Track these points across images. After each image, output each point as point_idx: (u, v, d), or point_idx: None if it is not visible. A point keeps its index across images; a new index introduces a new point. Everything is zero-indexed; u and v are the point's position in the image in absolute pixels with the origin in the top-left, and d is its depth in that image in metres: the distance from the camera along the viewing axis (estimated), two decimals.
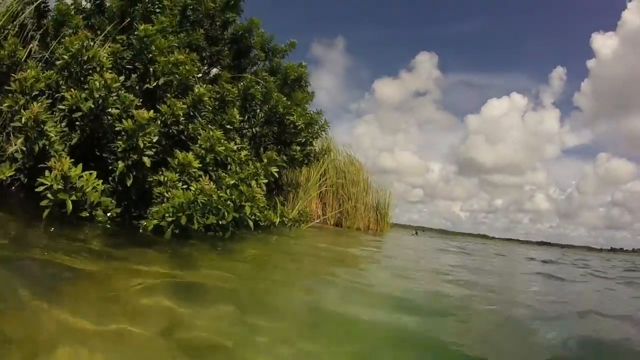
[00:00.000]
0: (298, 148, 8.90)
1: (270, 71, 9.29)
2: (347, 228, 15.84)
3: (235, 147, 5.51)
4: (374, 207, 17.85)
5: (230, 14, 8.52)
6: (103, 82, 4.05)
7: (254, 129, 7.62)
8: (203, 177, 4.58)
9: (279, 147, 9.05)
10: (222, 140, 5.02)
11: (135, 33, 5.23)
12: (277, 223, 6.25)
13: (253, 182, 4.71)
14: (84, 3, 6.72)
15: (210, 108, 5.86)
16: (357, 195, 16.41)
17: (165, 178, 3.99)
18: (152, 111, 4.12)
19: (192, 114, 5.36)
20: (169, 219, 3.63)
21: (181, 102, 4.70)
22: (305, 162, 9.17)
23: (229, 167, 5.37)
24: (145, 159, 3.99)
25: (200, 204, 3.80)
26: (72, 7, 6.18)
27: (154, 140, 4.13)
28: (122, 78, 4.85)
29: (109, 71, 4.35)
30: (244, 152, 5.09)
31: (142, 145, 3.92)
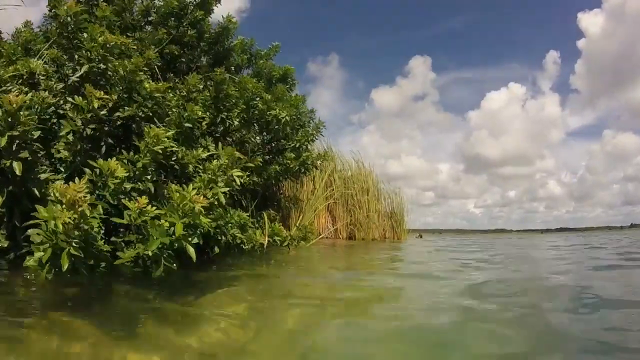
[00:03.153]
0: (292, 155, 7.44)
1: (254, 76, 7.94)
2: (361, 240, 14.19)
3: (203, 155, 4.06)
4: (388, 214, 16.18)
5: (199, 12, 7.19)
6: None
7: (234, 135, 6.21)
8: (139, 196, 3.10)
9: (270, 156, 7.61)
10: (170, 141, 3.55)
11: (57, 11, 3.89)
12: (265, 244, 4.76)
13: (208, 192, 3.20)
14: None
15: (171, 108, 4.46)
16: (369, 203, 14.79)
17: (57, 192, 2.49)
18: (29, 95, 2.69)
19: (140, 114, 3.97)
20: (43, 254, 2.12)
21: (101, 92, 3.26)
22: (303, 170, 7.68)
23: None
24: (16, 164, 2.52)
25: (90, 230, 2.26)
26: None
27: (35, 136, 2.68)
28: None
29: None
30: (215, 162, 3.59)
31: (7, 144, 2.46)
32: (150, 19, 7.15)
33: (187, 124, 4.25)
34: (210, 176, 3.35)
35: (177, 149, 3.81)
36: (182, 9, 6.96)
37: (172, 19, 7.04)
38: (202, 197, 2.78)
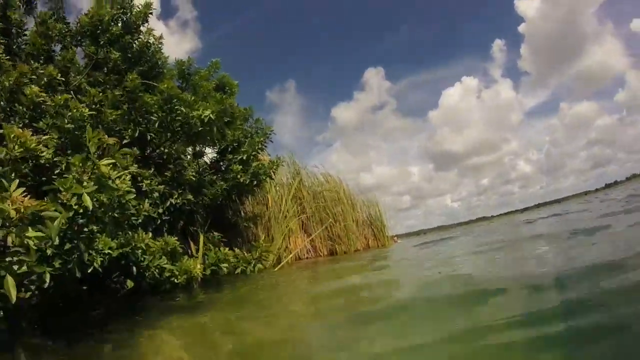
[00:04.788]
0: (239, 168, 6.39)
1: (192, 94, 6.90)
2: (343, 253, 13.04)
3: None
4: (367, 222, 15.14)
5: (115, 27, 6.15)
6: None
7: (159, 149, 5.13)
8: None
9: (213, 172, 6.51)
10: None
11: None
12: (199, 276, 3.63)
13: (67, 195, 2.09)
14: None
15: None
16: (345, 213, 13.73)
17: None
18: None
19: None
20: None
21: None
22: (255, 183, 6.61)
23: None
24: None
25: None
26: None
27: None
28: None
29: None
30: (78, 156, 2.47)
31: None
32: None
33: (68, 125, 3.16)
34: (73, 174, 2.25)
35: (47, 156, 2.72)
36: (99, 27, 5.93)
37: (88, 38, 6.02)
38: (27, 199, 1.71)
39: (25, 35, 5.83)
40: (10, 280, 1.73)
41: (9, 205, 1.78)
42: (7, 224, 1.78)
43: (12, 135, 2.47)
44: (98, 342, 2.50)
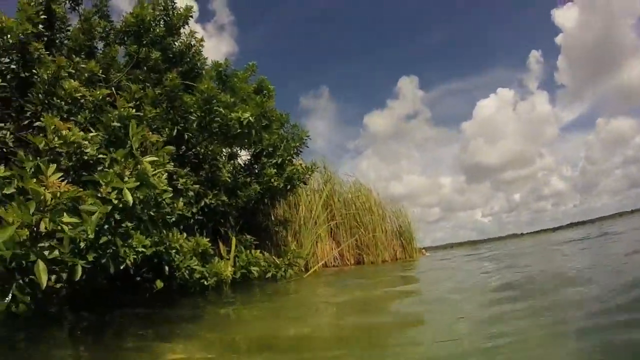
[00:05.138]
0: (274, 171, 6.34)
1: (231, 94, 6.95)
2: (370, 264, 12.74)
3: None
4: (396, 233, 14.76)
5: (158, 28, 6.28)
6: None
7: (196, 149, 5.14)
8: None
9: (250, 176, 6.47)
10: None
11: None
12: (229, 278, 3.54)
13: (107, 189, 2.04)
14: None
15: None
16: (374, 223, 13.44)
17: None
18: None
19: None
20: None
21: None
22: (289, 187, 6.54)
23: None
24: None
25: None
26: None
27: None
28: None
29: None
30: (120, 151, 2.44)
31: None
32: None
33: (115, 124, 3.18)
34: (115, 169, 2.21)
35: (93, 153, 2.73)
36: (142, 26, 6.06)
37: (131, 37, 6.16)
38: (64, 184, 1.66)
39: (68, 30, 5.91)
40: (41, 265, 1.68)
41: (44, 189, 1.74)
42: (42, 208, 1.74)
43: (52, 127, 2.47)
44: (119, 342, 2.44)
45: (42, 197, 1.70)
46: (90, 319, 2.88)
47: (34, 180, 1.77)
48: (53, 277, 2.17)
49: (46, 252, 1.89)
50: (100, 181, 2.12)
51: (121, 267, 2.84)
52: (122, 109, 3.26)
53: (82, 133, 2.85)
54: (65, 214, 1.76)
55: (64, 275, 2.11)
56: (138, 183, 2.11)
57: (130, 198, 2.03)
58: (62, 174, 1.94)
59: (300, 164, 6.85)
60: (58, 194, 1.79)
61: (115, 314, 3.05)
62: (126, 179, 2.11)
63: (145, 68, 6.01)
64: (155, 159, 2.24)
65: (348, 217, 12.91)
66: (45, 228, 1.78)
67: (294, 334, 2.54)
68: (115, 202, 2.03)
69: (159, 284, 3.06)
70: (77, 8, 6.12)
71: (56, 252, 1.91)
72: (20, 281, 1.84)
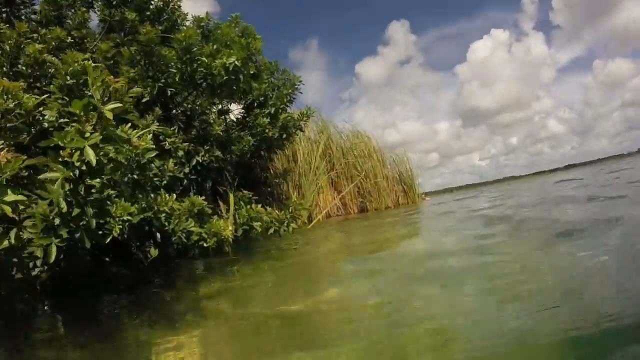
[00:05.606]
0: (267, 121, 5.92)
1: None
2: (374, 210, 12.68)
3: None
4: (397, 179, 14.56)
5: None
6: None
7: (181, 105, 4.70)
8: None
9: (240, 128, 6.08)
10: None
11: None
12: (230, 238, 3.28)
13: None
14: None
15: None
16: (374, 169, 13.20)
17: None
18: None
19: None
20: None
21: None
22: (285, 136, 6.16)
23: None
24: None
25: None
26: None
27: None
28: None
29: None
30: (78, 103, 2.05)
31: None
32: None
33: (70, 81, 2.74)
34: (75, 126, 1.82)
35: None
36: None
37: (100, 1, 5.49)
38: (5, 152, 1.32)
39: (34, 5, 5.38)
40: None
41: None
42: None
43: (1, 88, 2.05)
44: (107, 336, 2.19)
45: None
46: (73, 307, 2.62)
47: None
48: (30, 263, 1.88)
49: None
50: (60, 143, 1.76)
51: (107, 241, 2.56)
52: (76, 64, 2.80)
53: (32, 96, 2.44)
54: (9, 190, 1.42)
55: (39, 262, 1.83)
56: (101, 137, 1.74)
57: (93, 157, 1.68)
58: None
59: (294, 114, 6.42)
60: (2, 165, 1.44)
61: (105, 300, 2.79)
62: (87, 134, 1.74)
63: (122, 33, 5.41)
64: (118, 105, 1.85)
65: (348, 165, 12.65)
66: None
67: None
68: (78, 164, 1.68)
69: (154, 252, 2.80)
70: None
71: (26, 234, 1.59)
72: None
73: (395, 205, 14.04)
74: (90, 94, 1.86)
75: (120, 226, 2.57)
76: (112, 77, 1.89)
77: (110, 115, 1.75)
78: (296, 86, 6.27)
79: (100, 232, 2.61)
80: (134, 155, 2.75)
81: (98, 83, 1.90)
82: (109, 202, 2.58)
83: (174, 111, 4.85)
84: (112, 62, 4.63)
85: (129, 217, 2.57)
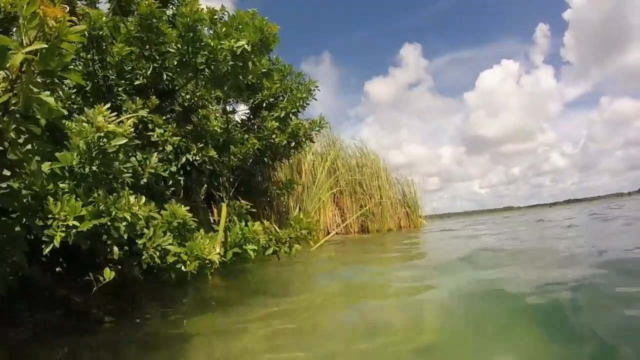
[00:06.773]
0: (275, 125, 5.19)
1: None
2: (375, 232, 11.88)
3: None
4: (401, 201, 13.83)
5: None
6: None
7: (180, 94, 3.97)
8: None
9: (243, 129, 5.34)
10: None
11: None
12: (216, 263, 2.49)
13: None
14: None
15: None
16: (380, 189, 12.47)
17: None
18: None
19: None
20: None
21: None
22: (293, 145, 5.41)
23: None
24: None
25: None
26: None
27: None
28: None
29: None
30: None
31: None
32: None
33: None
34: None
35: None
36: None
37: None
38: None
39: None
40: None
41: None
42: None
43: None
44: None
45: None
46: None
47: None
48: None
49: None
50: None
51: (45, 252, 1.78)
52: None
53: None
54: None
55: None
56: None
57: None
58: None
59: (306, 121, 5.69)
60: None
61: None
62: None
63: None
64: (43, 46, 1.10)
65: (352, 183, 11.94)
66: None
67: None
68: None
69: (108, 273, 2.01)
70: None
71: None
72: None
73: (397, 227, 13.29)
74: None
75: (64, 234, 1.81)
76: (47, 4, 1.14)
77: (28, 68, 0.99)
78: (312, 91, 5.55)
79: (31, 237, 1.84)
80: (96, 139, 2.00)
81: (28, 14, 1.16)
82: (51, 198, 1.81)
83: (169, 101, 4.11)
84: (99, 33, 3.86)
85: (75, 222, 1.80)
